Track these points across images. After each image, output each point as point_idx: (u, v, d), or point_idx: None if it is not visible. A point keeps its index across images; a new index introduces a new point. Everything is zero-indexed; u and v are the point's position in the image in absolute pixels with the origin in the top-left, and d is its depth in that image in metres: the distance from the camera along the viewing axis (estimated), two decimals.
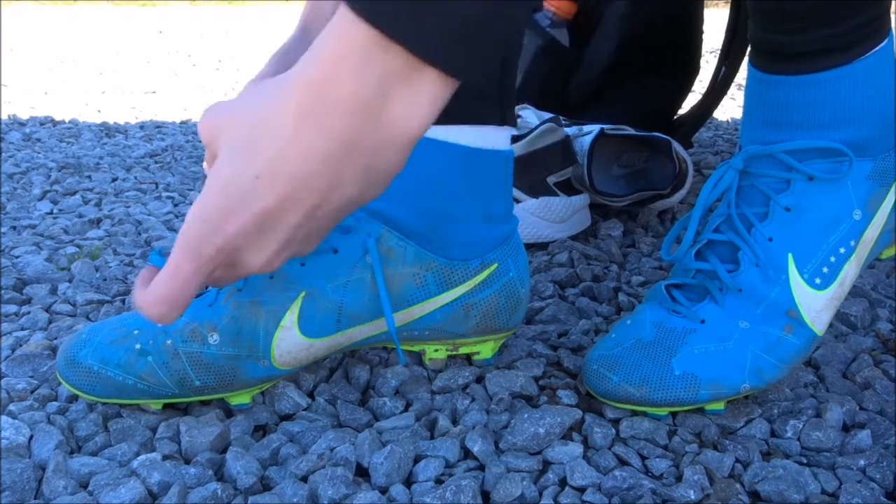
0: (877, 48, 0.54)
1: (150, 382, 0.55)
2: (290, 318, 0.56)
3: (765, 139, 0.57)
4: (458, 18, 0.33)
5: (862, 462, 0.53)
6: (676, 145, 0.95)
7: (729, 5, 1.15)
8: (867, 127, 0.55)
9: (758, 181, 0.57)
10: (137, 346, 0.55)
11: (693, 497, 0.49)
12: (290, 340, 0.56)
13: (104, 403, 0.57)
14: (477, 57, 0.35)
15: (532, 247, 0.90)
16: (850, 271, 0.57)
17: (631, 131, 0.95)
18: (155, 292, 0.41)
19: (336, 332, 0.57)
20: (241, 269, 0.42)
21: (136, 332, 0.56)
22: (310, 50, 0.36)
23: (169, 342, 0.55)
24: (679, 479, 0.51)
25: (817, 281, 0.56)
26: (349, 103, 0.35)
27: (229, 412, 0.58)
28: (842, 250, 0.57)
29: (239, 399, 0.58)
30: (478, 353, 0.63)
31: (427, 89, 0.35)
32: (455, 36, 0.33)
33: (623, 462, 0.53)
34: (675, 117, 1.20)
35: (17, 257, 0.88)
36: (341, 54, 0.34)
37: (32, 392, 0.60)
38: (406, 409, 0.59)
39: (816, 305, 0.57)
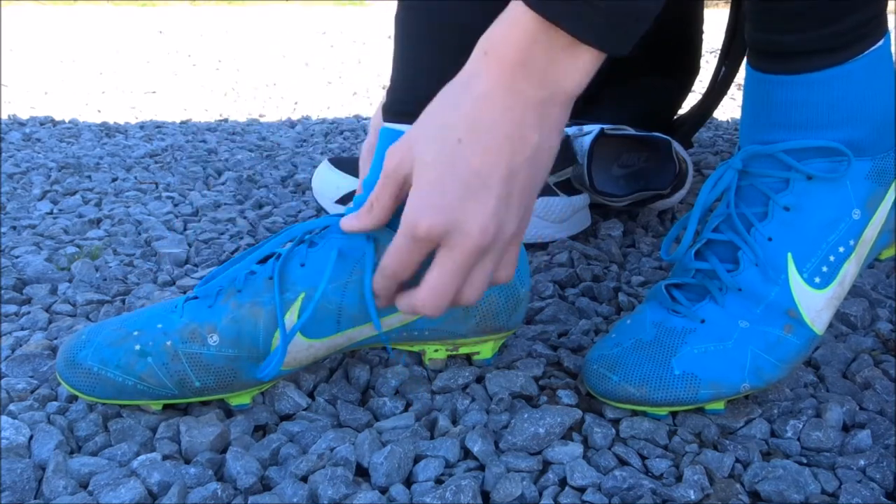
0: (874, 47, 0.54)
1: (149, 383, 0.55)
2: (290, 319, 0.56)
3: (764, 139, 0.57)
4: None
5: (862, 462, 0.53)
6: (676, 145, 0.95)
7: (729, 5, 1.15)
8: (866, 126, 0.55)
9: (757, 181, 0.57)
10: (137, 347, 0.55)
11: (693, 497, 0.49)
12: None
13: (104, 404, 0.58)
14: (622, 37, 0.46)
15: (532, 247, 0.90)
16: (849, 271, 0.57)
17: (631, 131, 0.95)
18: (420, 294, 0.48)
19: (336, 332, 0.57)
20: (462, 239, 0.46)
21: (135, 333, 0.56)
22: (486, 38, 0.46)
23: (168, 343, 0.55)
24: (679, 479, 0.51)
25: (817, 280, 0.56)
26: (528, 68, 0.45)
27: (229, 412, 0.58)
28: (841, 249, 0.57)
29: (239, 400, 0.58)
30: (478, 352, 0.63)
31: (583, 59, 0.46)
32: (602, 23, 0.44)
33: (623, 462, 0.53)
34: (675, 117, 1.20)
35: (17, 257, 0.88)
36: (518, 37, 0.45)
37: (32, 392, 0.60)
38: (406, 409, 0.59)
39: (816, 305, 0.57)
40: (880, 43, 0.54)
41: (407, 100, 0.57)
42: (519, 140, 0.46)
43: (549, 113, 0.47)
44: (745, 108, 0.59)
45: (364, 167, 0.78)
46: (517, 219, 0.48)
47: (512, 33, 0.45)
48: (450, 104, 0.47)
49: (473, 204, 0.46)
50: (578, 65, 0.46)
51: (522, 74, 0.45)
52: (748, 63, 0.58)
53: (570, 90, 0.47)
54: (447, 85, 0.48)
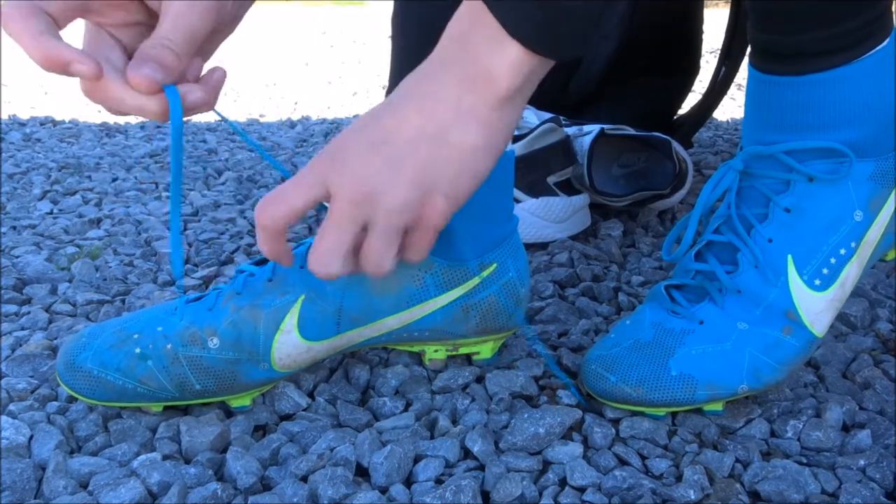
0: (877, 48, 0.54)
1: (149, 386, 0.55)
2: (290, 321, 0.56)
3: (765, 140, 0.57)
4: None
5: (862, 462, 0.53)
6: (676, 145, 0.95)
7: (729, 5, 1.15)
8: (868, 127, 0.55)
9: (758, 182, 0.57)
10: (137, 350, 0.55)
11: (693, 497, 0.49)
12: (289, 344, 0.56)
13: (104, 406, 0.58)
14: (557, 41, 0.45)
15: (532, 247, 0.90)
16: (851, 273, 0.57)
17: (631, 131, 0.95)
18: (311, 253, 0.47)
19: (336, 334, 0.57)
20: (380, 209, 0.46)
21: (135, 335, 0.56)
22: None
23: (168, 346, 0.55)
24: (679, 478, 0.51)
25: (817, 282, 0.56)
26: (461, 45, 0.45)
27: (229, 412, 0.58)
28: (842, 251, 0.56)
29: (239, 401, 0.58)
30: (478, 353, 0.63)
31: (512, 55, 0.44)
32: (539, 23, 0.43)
33: (623, 462, 0.53)
34: (675, 117, 1.20)
35: (17, 257, 0.88)
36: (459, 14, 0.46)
37: (32, 392, 0.60)
38: (406, 409, 0.59)
39: (816, 307, 0.56)
40: (884, 44, 0.54)
41: None
42: (429, 111, 0.45)
43: (472, 102, 0.45)
44: (747, 108, 0.59)
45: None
46: (404, 191, 0.46)
47: (458, 11, 0.46)
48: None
49: (358, 157, 0.45)
50: (507, 61, 0.44)
51: (453, 49, 0.45)
52: (750, 63, 0.58)
53: (501, 87, 0.45)
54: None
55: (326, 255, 0.47)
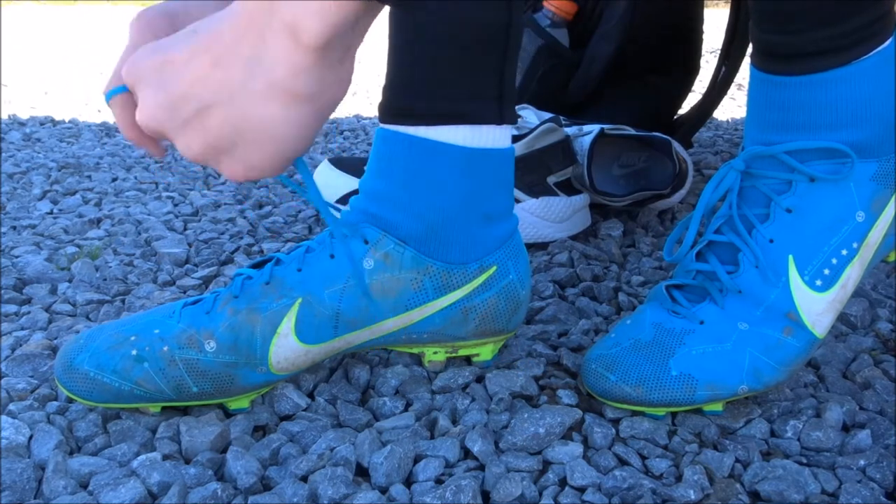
0: (880, 48, 0.53)
1: (146, 388, 0.55)
2: (287, 324, 0.56)
3: (767, 140, 0.57)
4: None
5: (862, 462, 0.53)
6: (676, 145, 0.95)
7: (729, 5, 1.15)
8: (870, 128, 0.55)
9: (759, 182, 0.57)
10: (134, 353, 0.55)
11: (693, 497, 0.49)
12: (287, 347, 0.56)
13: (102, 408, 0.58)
14: None
15: (532, 247, 0.90)
16: (852, 274, 0.57)
17: (631, 131, 0.95)
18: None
19: (333, 337, 0.57)
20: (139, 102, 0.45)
21: (132, 338, 0.56)
22: None
23: (165, 349, 0.55)
24: (679, 478, 0.51)
25: (818, 283, 0.56)
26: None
27: (229, 412, 0.58)
28: (844, 252, 0.56)
29: (238, 404, 0.58)
30: (477, 354, 0.63)
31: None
32: None
33: (623, 462, 0.53)
34: (675, 117, 1.20)
35: (17, 257, 0.88)
36: None
37: (32, 392, 0.60)
38: (406, 409, 0.59)
39: (817, 308, 0.56)
40: (886, 44, 0.54)
41: (401, 100, 0.57)
42: (219, 65, 0.43)
43: (268, 57, 0.42)
44: (749, 108, 0.59)
45: None
46: (191, 144, 0.45)
47: None
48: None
49: (151, 91, 0.44)
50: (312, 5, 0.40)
51: None
52: (752, 63, 0.58)
53: (302, 39, 0.41)
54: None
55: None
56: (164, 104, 0.44)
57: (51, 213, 1.06)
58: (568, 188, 0.91)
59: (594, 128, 0.92)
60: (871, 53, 0.53)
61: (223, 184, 1.19)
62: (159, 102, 0.44)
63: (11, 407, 0.58)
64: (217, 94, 0.43)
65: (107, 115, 1.83)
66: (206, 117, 0.44)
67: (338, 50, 0.43)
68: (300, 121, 0.44)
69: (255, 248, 0.92)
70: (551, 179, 0.90)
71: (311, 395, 0.61)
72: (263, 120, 0.43)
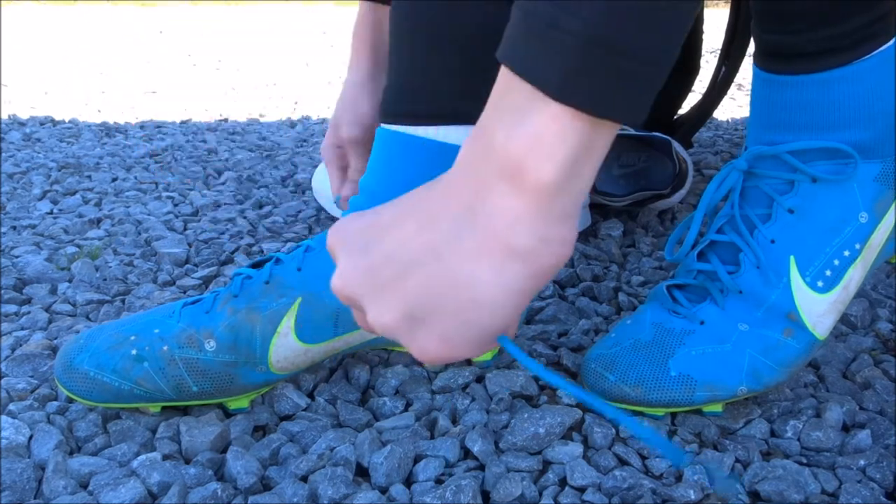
0: (883, 48, 0.53)
1: (146, 388, 0.55)
2: (287, 324, 0.56)
3: (770, 140, 0.56)
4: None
5: (862, 462, 0.53)
6: (676, 145, 0.95)
7: (729, 5, 1.15)
8: (873, 128, 0.54)
9: (761, 182, 0.57)
10: (134, 352, 0.55)
11: (693, 497, 0.49)
12: (287, 347, 0.56)
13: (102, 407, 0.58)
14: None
15: None
16: (854, 275, 0.57)
17: (631, 131, 0.95)
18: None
19: (333, 336, 0.57)
20: (366, 317, 0.39)
21: (132, 337, 0.56)
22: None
23: (165, 348, 0.55)
24: (679, 478, 0.51)
25: (820, 284, 0.56)
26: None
27: (229, 412, 0.58)
28: (846, 253, 0.56)
29: (237, 403, 0.58)
30: None
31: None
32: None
33: (623, 462, 0.53)
34: (675, 117, 1.20)
35: (17, 257, 0.88)
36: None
37: (32, 392, 0.60)
38: (406, 409, 0.59)
39: (818, 309, 0.56)
40: (889, 43, 0.53)
41: (402, 100, 0.57)
42: (427, 225, 0.37)
43: (489, 190, 0.35)
44: (751, 108, 0.58)
45: (332, 172, 0.78)
46: (390, 312, 0.38)
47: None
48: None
49: (347, 256, 0.39)
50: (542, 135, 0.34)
51: (469, 153, 0.36)
52: (755, 63, 0.57)
53: (532, 179, 0.34)
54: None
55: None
56: (363, 267, 0.38)
57: (51, 213, 1.06)
58: None
59: None
60: (873, 53, 0.53)
61: (223, 184, 1.19)
62: (357, 265, 0.39)
63: (11, 407, 0.58)
64: (421, 255, 0.37)
65: (106, 115, 1.83)
66: (406, 278, 0.37)
67: (565, 200, 0.35)
68: (510, 285, 0.36)
69: (255, 248, 0.92)
70: None
71: (311, 395, 0.61)
72: (470, 281, 0.36)
